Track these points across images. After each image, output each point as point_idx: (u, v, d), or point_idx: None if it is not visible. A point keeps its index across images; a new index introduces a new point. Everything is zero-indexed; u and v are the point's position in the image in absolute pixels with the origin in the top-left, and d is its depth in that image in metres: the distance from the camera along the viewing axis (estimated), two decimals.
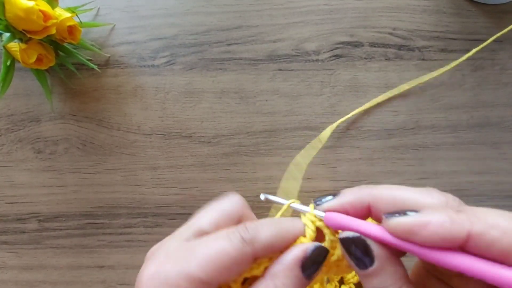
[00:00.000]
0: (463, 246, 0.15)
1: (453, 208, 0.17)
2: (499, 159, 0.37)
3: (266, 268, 0.20)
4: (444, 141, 0.37)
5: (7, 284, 0.37)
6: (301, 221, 0.20)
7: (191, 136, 0.38)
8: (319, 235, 0.20)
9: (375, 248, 0.18)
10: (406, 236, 0.16)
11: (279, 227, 0.20)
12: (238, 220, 0.21)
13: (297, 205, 0.21)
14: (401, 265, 0.18)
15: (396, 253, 0.18)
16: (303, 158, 0.35)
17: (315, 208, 0.20)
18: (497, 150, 0.37)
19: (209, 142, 0.38)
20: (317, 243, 0.19)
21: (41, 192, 0.38)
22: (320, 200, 0.20)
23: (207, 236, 0.19)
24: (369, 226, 0.18)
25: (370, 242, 0.18)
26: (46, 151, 0.38)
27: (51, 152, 0.38)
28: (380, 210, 0.19)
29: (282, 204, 0.22)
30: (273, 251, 0.19)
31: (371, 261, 0.18)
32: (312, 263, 0.19)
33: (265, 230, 0.19)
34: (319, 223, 0.20)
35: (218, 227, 0.20)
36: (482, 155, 0.37)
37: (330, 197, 0.20)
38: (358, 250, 0.18)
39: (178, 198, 0.37)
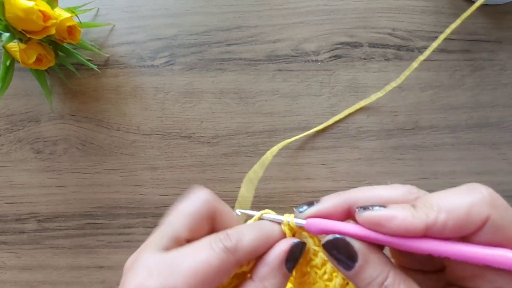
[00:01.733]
0: (426, 234, 0.17)
1: (414, 197, 0.19)
2: (498, 159, 0.37)
3: (254, 265, 0.20)
4: (443, 141, 0.37)
5: (6, 285, 0.37)
6: (279, 225, 0.21)
7: (190, 137, 0.38)
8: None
9: (356, 244, 0.19)
10: (375, 227, 0.18)
11: (260, 232, 0.20)
12: (211, 217, 0.21)
13: (271, 215, 0.22)
14: (383, 254, 0.19)
15: (376, 246, 0.19)
16: (255, 173, 0.35)
17: (296, 216, 0.21)
18: (496, 150, 0.37)
19: (209, 142, 0.38)
20: (294, 240, 0.20)
21: (40, 192, 0.38)
22: (302, 207, 0.21)
23: (188, 247, 0.19)
24: (346, 225, 0.19)
25: (349, 239, 0.19)
26: (46, 151, 0.38)
27: (51, 152, 0.38)
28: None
29: (257, 216, 0.22)
30: (256, 256, 0.20)
31: (355, 257, 0.19)
32: (293, 258, 0.20)
33: (247, 237, 0.19)
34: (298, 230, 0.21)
35: (193, 231, 0.20)
36: (481, 155, 0.37)
37: (306, 207, 0.21)
38: (341, 251, 0.19)
39: (177, 198, 0.37)
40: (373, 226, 0.18)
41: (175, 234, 0.20)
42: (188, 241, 0.20)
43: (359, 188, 0.20)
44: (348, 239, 0.19)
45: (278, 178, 0.37)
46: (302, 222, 0.20)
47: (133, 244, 0.37)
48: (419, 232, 0.17)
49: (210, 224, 0.21)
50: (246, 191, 0.34)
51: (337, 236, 0.19)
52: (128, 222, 0.37)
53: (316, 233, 0.21)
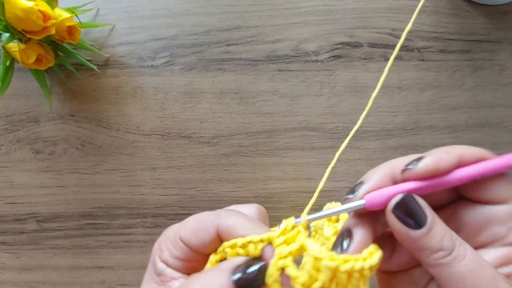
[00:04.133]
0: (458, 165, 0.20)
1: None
2: None
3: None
4: (443, 141, 0.37)
5: (6, 285, 0.37)
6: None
7: (190, 137, 0.38)
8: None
9: (422, 201, 0.19)
10: (433, 173, 0.19)
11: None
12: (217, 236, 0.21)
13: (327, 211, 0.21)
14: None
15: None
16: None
17: (344, 203, 0.20)
18: (496, 150, 0.37)
19: (209, 142, 0.38)
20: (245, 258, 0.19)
21: (40, 192, 0.38)
22: (352, 193, 0.20)
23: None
24: (405, 185, 0.19)
25: (416, 196, 0.19)
26: (45, 151, 0.38)
27: (50, 152, 0.38)
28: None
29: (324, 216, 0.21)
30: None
31: (425, 215, 0.19)
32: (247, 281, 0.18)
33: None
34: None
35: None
36: None
37: (353, 192, 0.20)
38: (411, 209, 0.19)
39: (177, 198, 0.37)
40: (430, 173, 0.19)
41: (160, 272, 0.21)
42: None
43: (394, 160, 0.21)
44: (415, 196, 0.19)
45: (278, 178, 0.37)
46: (361, 202, 0.19)
47: (133, 244, 0.37)
48: (456, 163, 0.20)
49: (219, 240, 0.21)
50: None
51: (405, 194, 0.19)
52: (128, 222, 0.37)
53: (379, 207, 0.19)
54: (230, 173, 0.37)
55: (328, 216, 0.20)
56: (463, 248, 0.18)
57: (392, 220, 0.19)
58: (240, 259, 0.19)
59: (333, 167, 0.32)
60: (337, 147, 0.37)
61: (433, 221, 0.19)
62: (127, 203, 0.38)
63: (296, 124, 0.38)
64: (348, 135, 0.38)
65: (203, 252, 0.21)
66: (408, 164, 0.20)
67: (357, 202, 0.20)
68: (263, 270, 0.19)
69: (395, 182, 0.20)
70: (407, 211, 0.19)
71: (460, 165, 0.20)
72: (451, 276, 0.18)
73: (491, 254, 0.19)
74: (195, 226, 0.21)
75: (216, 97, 0.38)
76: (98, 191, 0.38)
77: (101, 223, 0.38)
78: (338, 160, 0.37)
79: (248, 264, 0.19)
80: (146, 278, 0.22)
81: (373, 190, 0.20)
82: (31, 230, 0.38)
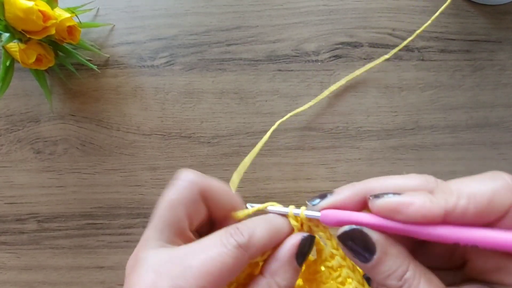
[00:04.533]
0: (445, 220, 0.17)
1: (431, 186, 0.18)
2: (499, 159, 0.37)
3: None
4: (443, 141, 0.37)
5: (6, 285, 0.37)
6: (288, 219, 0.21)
7: (190, 137, 0.38)
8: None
9: (374, 235, 0.18)
10: (392, 215, 0.17)
11: (271, 226, 0.20)
12: (204, 198, 0.20)
13: (276, 208, 0.22)
14: (402, 246, 0.18)
15: (394, 238, 0.18)
16: (237, 175, 0.33)
17: (308, 209, 0.21)
18: (496, 150, 0.37)
19: (209, 142, 0.38)
20: (304, 234, 0.20)
21: (40, 192, 0.38)
22: (315, 200, 0.20)
23: (198, 243, 0.18)
24: (363, 215, 0.18)
25: (367, 230, 0.18)
26: (46, 151, 0.38)
27: (51, 152, 0.38)
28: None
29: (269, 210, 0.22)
30: (267, 250, 0.20)
31: (373, 249, 0.18)
32: (303, 252, 0.20)
33: (259, 232, 0.19)
34: (308, 223, 0.21)
35: (191, 217, 0.20)
36: (481, 155, 0.37)
37: (318, 199, 0.20)
38: (358, 242, 0.18)
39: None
40: (389, 213, 0.17)
41: (175, 225, 0.19)
42: (190, 230, 0.20)
43: (374, 178, 0.20)
44: (366, 229, 0.18)
45: (278, 178, 0.37)
46: (317, 214, 0.20)
47: (133, 244, 0.37)
48: (438, 217, 0.16)
49: (206, 206, 0.21)
50: (236, 176, 0.33)
51: (354, 226, 0.18)
52: (128, 222, 0.37)
53: (331, 225, 0.19)
54: (230, 173, 0.37)
55: (278, 213, 0.22)
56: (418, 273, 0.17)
57: (342, 248, 0.19)
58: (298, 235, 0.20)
59: (333, 167, 0.33)
60: (337, 147, 0.38)
61: (380, 258, 0.18)
62: (127, 203, 0.38)
63: (296, 124, 0.38)
64: (348, 135, 0.38)
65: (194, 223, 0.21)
66: (379, 195, 0.18)
67: (313, 212, 0.20)
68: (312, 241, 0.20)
69: (364, 204, 0.19)
70: (355, 242, 0.18)
71: (450, 216, 0.17)
72: None
73: None
74: (271, 234, 0.20)
75: (216, 97, 0.38)
76: (98, 191, 0.38)
77: (101, 223, 0.38)
78: (338, 160, 0.37)
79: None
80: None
81: (335, 206, 0.19)
82: (31, 230, 0.38)
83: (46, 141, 0.38)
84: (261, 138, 0.38)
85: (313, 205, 0.20)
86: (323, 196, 0.20)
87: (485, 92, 0.38)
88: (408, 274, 0.17)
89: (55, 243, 0.37)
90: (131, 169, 0.38)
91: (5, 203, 0.38)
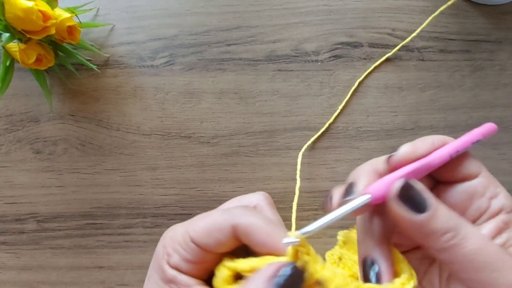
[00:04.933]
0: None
1: None
2: (499, 159, 0.37)
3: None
4: None
5: (6, 285, 0.37)
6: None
7: (190, 137, 0.38)
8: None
9: (421, 186, 0.19)
10: (414, 155, 0.21)
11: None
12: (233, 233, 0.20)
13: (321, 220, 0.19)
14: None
15: None
16: None
17: (347, 202, 0.19)
18: (496, 150, 0.37)
19: (209, 142, 0.38)
20: (291, 262, 0.18)
21: (40, 192, 0.38)
22: (350, 193, 0.20)
23: None
24: (403, 169, 0.20)
25: (415, 181, 0.19)
26: (45, 151, 0.38)
27: (50, 152, 0.38)
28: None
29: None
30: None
31: (428, 198, 0.18)
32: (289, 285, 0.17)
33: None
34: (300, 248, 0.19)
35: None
36: (481, 155, 0.37)
37: (351, 194, 0.20)
38: (415, 191, 0.18)
39: (177, 198, 0.37)
40: (412, 154, 0.21)
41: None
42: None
43: (371, 160, 0.23)
44: (414, 181, 0.19)
45: (278, 178, 0.37)
46: (366, 197, 0.19)
47: (133, 245, 0.37)
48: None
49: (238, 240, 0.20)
50: None
51: (405, 180, 0.18)
52: (128, 222, 0.37)
53: (384, 196, 0.19)
54: (230, 173, 0.37)
55: (331, 221, 0.19)
56: (469, 227, 0.18)
57: (396, 208, 0.18)
58: (276, 264, 0.18)
59: (333, 167, 0.33)
60: (337, 147, 0.38)
61: (437, 203, 0.18)
62: (127, 203, 0.38)
63: (296, 124, 0.38)
64: (348, 135, 0.38)
65: (217, 252, 0.21)
66: (389, 156, 0.21)
67: (362, 197, 0.19)
68: (299, 277, 0.18)
69: (380, 176, 0.20)
70: (410, 196, 0.18)
71: (434, 148, 0.21)
72: (464, 257, 0.17)
73: (483, 229, 0.20)
74: (208, 226, 0.21)
75: (216, 97, 0.38)
76: (98, 191, 0.38)
77: (101, 223, 0.38)
78: (338, 160, 0.37)
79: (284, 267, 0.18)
80: (152, 283, 0.21)
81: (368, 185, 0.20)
82: (31, 230, 0.38)
83: (45, 141, 0.38)
84: (261, 138, 0.38)
85: (353, 195, 0.19)
86: (350, 190, 0.20)
87: (485, 92, 0.38)
88: (457, 215, 0.18)
89: (55, 243, 0.37)
90: (131, 169, 0.38)
91: (5, 203, 0.38)
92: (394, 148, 0.37)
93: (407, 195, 0.18)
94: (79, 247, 0.37)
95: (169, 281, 0.21)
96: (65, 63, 0.37)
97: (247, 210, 0.21)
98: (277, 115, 0.38)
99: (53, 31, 0.32)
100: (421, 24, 0.38)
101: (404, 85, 0.38)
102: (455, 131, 0.38)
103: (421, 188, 0.18)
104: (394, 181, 0.19)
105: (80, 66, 0.38)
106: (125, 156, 0.38)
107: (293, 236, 0.18)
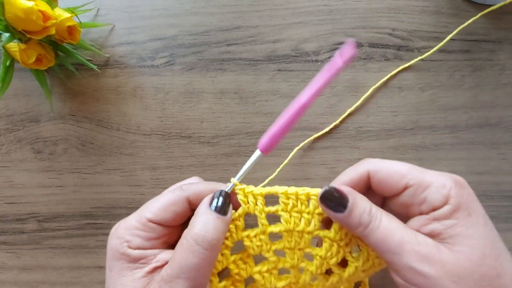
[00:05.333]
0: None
1: None
2: (498, 159, 0.37)
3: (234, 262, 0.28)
4: (443, 141, 0.37)
5: (6, 285, 0.37)
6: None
7: (190, 137, 0.38)
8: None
9: (345, 189, 0.25)
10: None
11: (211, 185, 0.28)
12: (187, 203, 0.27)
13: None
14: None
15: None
16: None
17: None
18: (496, 150, 0.38)
19: (209, 142, 0.38)
20: (221, 190, 0.27)
21: (40, 192, 0.38)
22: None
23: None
24: (281, 119, 0.27)
25: (338, 186, 0.26)
26: (46, 151, 0.38)
27: (51, 152, 0.38)
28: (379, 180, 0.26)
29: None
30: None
31: (347, 199, 0.25)
32: (214, 201, 0.26)
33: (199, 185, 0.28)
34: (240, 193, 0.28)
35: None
36: (481, 155, 0.37)
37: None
38: (333, 197, 0.25)
39: None
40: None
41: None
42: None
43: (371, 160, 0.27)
44: (337, 185, 0.26)
45: (278, 178, 0.37)
46: (258, 152, 0.28)
47: None
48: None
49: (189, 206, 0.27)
50: None
51: (327, 187, 0.25)
52: None
53: (269, 146, 0.27)
54: (230, 173, 0.37)
55: (246, 170, 0.28)
56: (378, 221, 0.24)
57: (323, 207, 0.26)
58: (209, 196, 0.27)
59: (333, 167, 0.33)
60: (337, 147, 0.38)
61: (353, 204, 0.24)
62: (127, 203, 0.38)
63: (296, 124, 0.38)
64: (348, 135, 0.38)
65: (177, 223, 0.27)
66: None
67: (256, 153, 0.28)
68: (226, 195, 0.27)
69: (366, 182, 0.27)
70: (331, 199, 0.25)
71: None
72: (374, 243, 0.24)
73: (415, 222, 0.25)
74: (164, 204, 0.26)
75: (216, 97, 0.38)
76: (98, 191, 0.38)
77: (101, 223, 0.38)
78: (338, 160, 0.37)
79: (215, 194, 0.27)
80: (117, 271, 0.25)
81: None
82: (31, 230, 0.38)
83: (46, 141, 0.38)
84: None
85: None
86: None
87: (485, 92, 0.38)
88: (373, 210, 0.24)
89: (55, 243, 0.37)
90: (131, 169, 0.38)
91: (5, 203, 0.38)
92: (395, 148, 0.37)
93: (328, 198, 0.25)
94: (79, 247, 0.37)
95: (136, 260, 0.25)
96: (65, 63, 0.37)
97: (193, 182, 0.29)
98: (277, 115, 0.38)
99: (53, 31, 0.32)
100: (422, 24, 0.38)
101: (404, 85, 0.38)
102: (455, 131, 0.38)
103: (340, 192, 0.25)
104: (273, 132, 0.27)
105: (80, 66, 0.38)
106: (125, 156, 0.38)
107: (232, 181, 0.28)
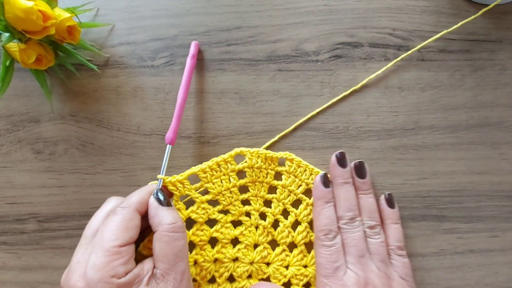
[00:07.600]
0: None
1: None
2: (499, 159, 0.37)
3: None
4: (443, 141, 0.38)
5: (6, 285, 0.37)
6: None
7: (190, 137, 0.38)
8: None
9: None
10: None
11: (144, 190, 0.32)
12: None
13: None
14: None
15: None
16: None
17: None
18: (496, 150, 0.38)
19: (209, 142, 0.38)
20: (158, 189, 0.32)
21: (40, 192, 0.38)
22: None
23: None
24: (176, 110, 0.34)
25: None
26: (46, 151, 0.38)
27: (51, 152, 0.38)
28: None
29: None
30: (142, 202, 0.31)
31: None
32: (156, 196, 0.31)
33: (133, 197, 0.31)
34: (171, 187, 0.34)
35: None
36: (482, 155, 0.37)
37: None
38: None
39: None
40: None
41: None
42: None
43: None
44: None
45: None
46: (168, 146, 0.34)
47: None
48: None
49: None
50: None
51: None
52: None
53: (172, 138, 0.34)
54: None
55: (163, 168, 0.34)
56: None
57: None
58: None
59: None
60: (337, 147, 0.38)
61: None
62: None
63: (296, 124, 0.38)
64: (348, 135, 0.38)
65: (138, 233, 0.30)
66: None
67: (168, 148, 0.34)
68: (161, 191, 0.32)
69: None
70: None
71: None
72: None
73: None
74: (122, 226, 0.28)
75: (216, 97, 0.38)
76: (99, 191, 0.38)
77: None
78: None
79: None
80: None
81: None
82: (32, 230, 0.38)
83: (46, 141, 0.38)
84: (261, 138, 0.38)
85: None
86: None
87: (485, 92, 0.38)
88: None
89: (55, 243, 0.37)
90: (131, 169, 0.38)
91: (6, 203, 0.38)
92: (395, 148, 0.37)
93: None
94: None
95: (131, 283, 0.27)
96: (65, 63, 0.37)
97: (130, 195, 0.31)
98: (278, 115, 0.38)
99: (53, 31, 0.32)
100: (422, 23, 0.38)
101: (404, 85, 0.38)
102: (456, 131, 0.38)
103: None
104: (173, 127, 0.34)
105: (80, 66, 0.38)
106: (126, 156, 0.38)
107: (159, 177, 0.33)
